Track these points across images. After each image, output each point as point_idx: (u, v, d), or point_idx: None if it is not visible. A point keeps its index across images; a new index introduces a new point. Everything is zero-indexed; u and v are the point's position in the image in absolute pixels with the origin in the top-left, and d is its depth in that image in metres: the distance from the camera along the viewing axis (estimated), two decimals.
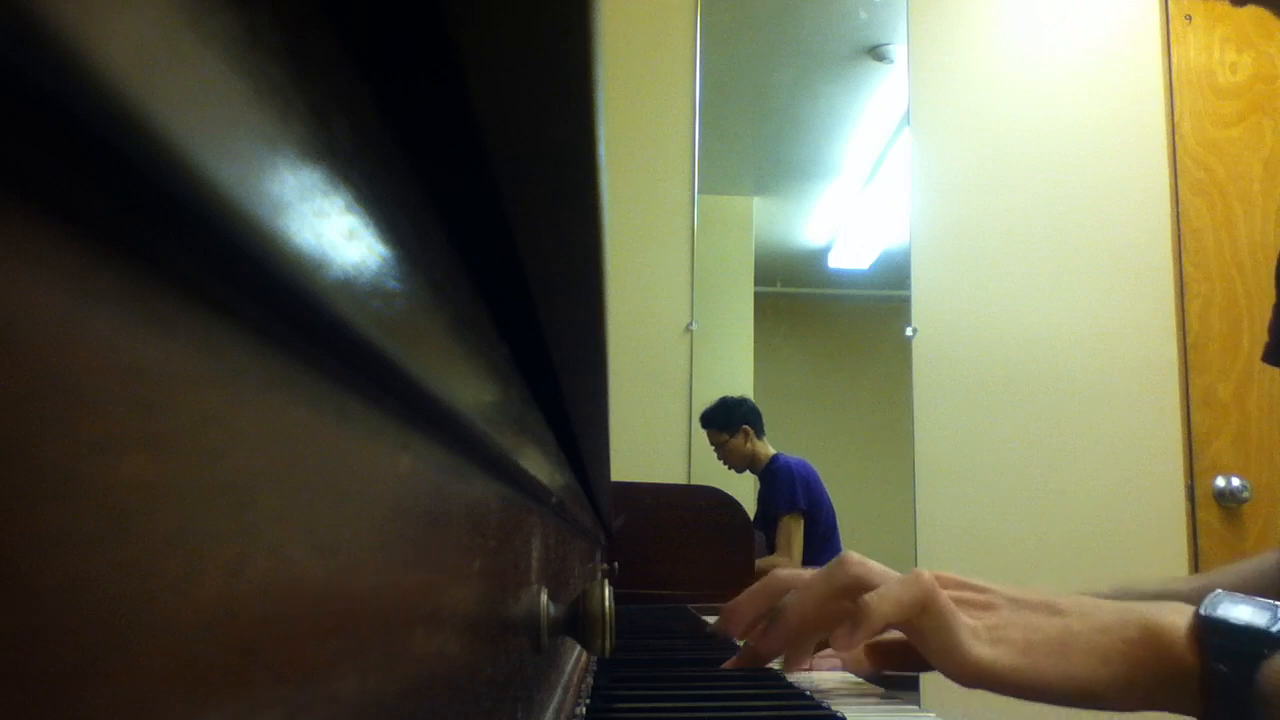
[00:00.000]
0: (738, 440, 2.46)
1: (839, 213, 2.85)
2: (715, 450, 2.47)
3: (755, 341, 2.66)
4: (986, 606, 0.59)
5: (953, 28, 2.69)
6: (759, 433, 2.48)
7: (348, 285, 0.13)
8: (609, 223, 0.23)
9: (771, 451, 2.48)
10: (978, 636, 0.56)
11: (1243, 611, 0.52)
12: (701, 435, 2.48)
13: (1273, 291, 0.85)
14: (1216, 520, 2.49)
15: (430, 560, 0.22)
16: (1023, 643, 0.55)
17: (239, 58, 0.09)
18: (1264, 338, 0.86)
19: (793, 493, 2.40)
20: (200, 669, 0.10)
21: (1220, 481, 2.50)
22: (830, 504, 2.43)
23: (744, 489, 2.41)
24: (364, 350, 0.15)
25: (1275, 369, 0.88)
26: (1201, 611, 0.53)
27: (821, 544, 2.37)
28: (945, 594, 0.58)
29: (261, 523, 0.12)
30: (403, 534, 0.19)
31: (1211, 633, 0.52)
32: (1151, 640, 0.52)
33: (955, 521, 2.46)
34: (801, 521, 2.39)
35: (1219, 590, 0.54)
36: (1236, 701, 0.50)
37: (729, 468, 2.46)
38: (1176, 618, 0.53)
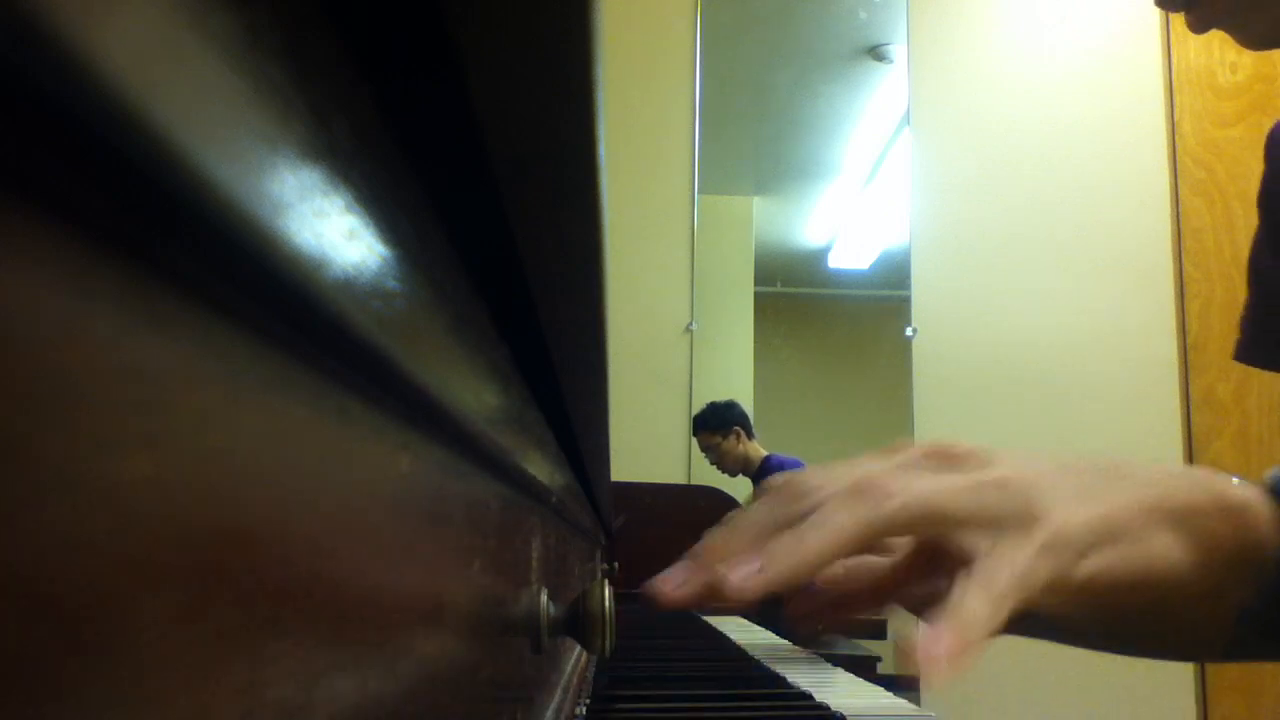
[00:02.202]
0: (730, 441, 2.45)
1: (839, 213, 2.85)
2: (708, 455, 2.46)
3: (755, 341, 2.66)
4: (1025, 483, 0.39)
5: (953, 28, 2.69)
6: (750, 434, 2.48)
7: (348, 285, 0.13)
8: (609, 223, 0.23)
9: (764, 453, 2.47)
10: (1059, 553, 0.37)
11: None
12: None
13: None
14: None
15: (430, 560, 0.22)
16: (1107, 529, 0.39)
17: (239, 58, 0.09)
18: None
19: None
20: (199, 668, 0.10)
21: None
22: None
23: (743, 490, 2.41)
24: (364, 350, 0.15)
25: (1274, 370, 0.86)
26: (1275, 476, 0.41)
27: None
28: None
29: (262, 522, 0.12)
30: (403, 534, 0.19)
31: None
32: (1224, 511, 0.40)
33: None
34: None
35: None
36: None
37: (722, 471, 2.45)
38: (1240, 490, 0.41)
